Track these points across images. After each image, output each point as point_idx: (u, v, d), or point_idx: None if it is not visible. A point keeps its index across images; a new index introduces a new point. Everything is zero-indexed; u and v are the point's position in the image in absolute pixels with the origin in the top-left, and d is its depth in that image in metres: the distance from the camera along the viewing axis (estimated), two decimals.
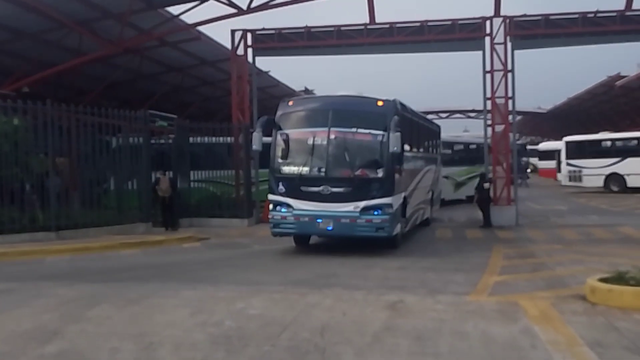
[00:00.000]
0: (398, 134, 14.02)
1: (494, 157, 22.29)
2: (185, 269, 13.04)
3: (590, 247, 15.74)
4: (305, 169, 14.71)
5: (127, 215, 19.45)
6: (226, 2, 22.99)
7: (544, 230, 19.71)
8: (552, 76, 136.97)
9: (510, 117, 22.27)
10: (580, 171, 37.98)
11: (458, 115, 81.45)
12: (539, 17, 22.04)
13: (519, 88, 21.99)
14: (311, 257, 14.55)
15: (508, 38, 21.57)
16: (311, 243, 16.77)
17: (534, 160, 57.38)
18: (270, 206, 15.06)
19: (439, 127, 25.96)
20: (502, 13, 21.90)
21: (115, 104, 25.49)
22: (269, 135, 15.44)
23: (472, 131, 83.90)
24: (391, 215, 14.43)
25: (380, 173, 14.44)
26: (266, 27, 23.36)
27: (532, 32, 21.97)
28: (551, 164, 47.04)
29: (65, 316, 8.91)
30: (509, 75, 21.57)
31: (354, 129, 14.66)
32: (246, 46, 23.24)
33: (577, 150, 38.48)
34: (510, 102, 21.83)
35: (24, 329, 8.22)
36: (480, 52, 21.94)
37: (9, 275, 12.42)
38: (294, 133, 15.04)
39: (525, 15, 22.10)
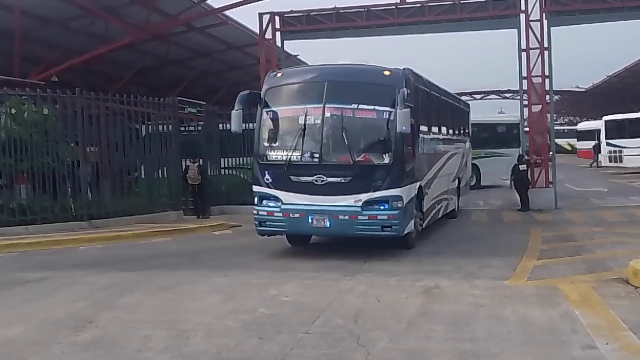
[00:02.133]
0: (407, 110, 11.67)
1: (530, 138, 22.03)
2: (216, 256, 13.11)
3: (632, 229, 15.45)
4: (295, 155, 12.35)
5: (157, 203, 19.61)
6: None
7: (583, 212, 19.45)
8: (590, 53, 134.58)
9: (547, 96, 21.93)
10: (620, 151, 37.37)
11: (493, 96, 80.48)
12: None
13: (556, 66, 21.57)
14: (342, 243, 14.19)
15: (544, 15, 21.12)
16: None
17: (572, 140, 56.59)
18: (255, 200, 12.82)
19: (468, 105, 23.25)
20: None
21: (143, 91, 25.64)
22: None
23: (508, 112, 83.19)
24: (401, 211, 12.07)
25: (386, 159, 12.09)
26: (294, 9, 23.29)
27: (569, 7, 21.46)
28: (589, 144, 46.31)
29: (98, 304, 9.06)
30: (546, 53, 21.16)
31: (354, 105, 12.35)
32: (274, 29, 23.18)
33: (617, 130, 37.85)
34: (547, 81, 21.45)
35: (57, 317, 8.37)
36: (515, 30, 21.61)
37: (43, 264, 12.63)
38: (282, 111, 12.84)
39: None
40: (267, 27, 23.18)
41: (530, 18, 21.15)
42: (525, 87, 21.70)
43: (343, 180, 12.04)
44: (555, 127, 33.63)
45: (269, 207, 12.53)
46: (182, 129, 21.77)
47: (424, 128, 14.56)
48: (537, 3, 21.06)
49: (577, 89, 72.01)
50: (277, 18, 23.16)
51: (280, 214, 12.39)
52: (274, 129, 12.90)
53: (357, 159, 12.04)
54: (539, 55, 21.13)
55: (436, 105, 16.62)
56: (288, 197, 12.32)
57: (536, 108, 21.79)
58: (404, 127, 11.67)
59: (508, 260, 11.82)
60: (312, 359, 6.57)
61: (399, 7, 22.52)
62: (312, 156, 12.30)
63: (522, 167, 20.89)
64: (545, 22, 21.19)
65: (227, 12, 25.82)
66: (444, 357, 6.60)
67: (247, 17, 26.88)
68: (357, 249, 12.82)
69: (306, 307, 8.66)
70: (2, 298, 9.68)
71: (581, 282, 9.81)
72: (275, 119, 12.86)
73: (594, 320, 7.70)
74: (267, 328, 7.69)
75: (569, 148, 57.60)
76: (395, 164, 12.07)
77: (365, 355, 6.67)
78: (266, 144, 12.87)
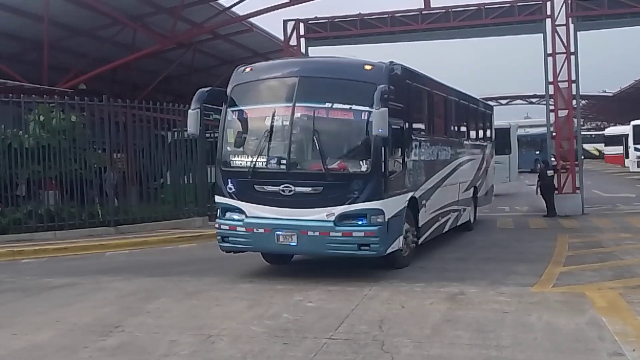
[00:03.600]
0: (384, 110, 9.95)
1: (557, 144, 21.85)
2: (242, 262, 13.14)
3: None
4: (260, 161, 10.87)
5: (183, 209, 19.72)
6: None
7: (611, 219, 19.26)
8: (618, 57, 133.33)
9: (574, 101, 21.77)
10: None
11: (519, 101, 79.91)
12: None
13: (582, 71, 21.46)
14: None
15: (570, 19, 21.00)
16: None
17: (600, 146, 56.03)
18: (218, 212, 11.54)
19: (489, 107, 21.33)
20: None
21: (170, 98, 25.85)
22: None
23: (534, 117, 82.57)
24: (381, 227, 10.46)
25: (364, 166, 10.48)
26: (318, 15, 23.36)
27: (595, 12, 21.30)
28: (618, 149, 45.80)
29: (124, 309, 9.14)
30: (572, 58, 21.02)
31: (328, 105, 10.74)
32: (299, 36, 23.28)
33: None
34: (573, 85, 21.31)
35: (84, 322, 8.46)
36: (541, 35, 21.49)
37: (70, 269, 12.77)
38: (248, 111, 11.41)
39: None
40: (291, 34, 23.28)
41: (557, 23, 21.04)
42: (551, 92, 21.56)
43: (313, 191, 10.54)
44: (582, 133, 33.40)
45: (232, 220, 11.10)
46: (208, 135, 21.88)
47: (419, 131, 12.98)
48: (563, 8, 20.96)
49: (604, 94, 71.38)
50: (301, 25, 23.26)
51: (244, 229, 10.91)
52: (238, 132, 11.45)
53: (329, 167, 10.50)
54: (565, 60, 21.00)
55: (440, 106, 14.98)
56: (252, 210, 10.88)
57: (562, 113, 21.62)
58: (380, 130, 9.99)
59: (534, 267, 11.73)
60: None
61: (423, 12, 22.50)
62: (279, 163, 10.79)
63: (550, 172, 20.75)
64: (571, 26, 21.06)
65: (252, 20, 25.96)
66: None
67: (271, 24, 27.06)
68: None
69: (330, 313, 8.67)
70: (30, 304, 9.80)
71: (608, 289, 9.71)
72: (240, 120, 11.48)
73: (621, 327, 7.61)
74: (292, 334, 7.71)
75: (597, 153, 57.06)
76: (374, 173, 10.45)
77: None
78: (229, 149, 11.43)
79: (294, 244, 10.63)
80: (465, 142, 16.92)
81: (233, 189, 11.12)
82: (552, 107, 21.86)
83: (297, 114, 10.78)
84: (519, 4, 21.81)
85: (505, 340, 7.29)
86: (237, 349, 7.17)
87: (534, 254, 13.28)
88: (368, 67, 11.00)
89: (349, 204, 10.42)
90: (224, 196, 11.25)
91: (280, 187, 10.61)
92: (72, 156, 17.40)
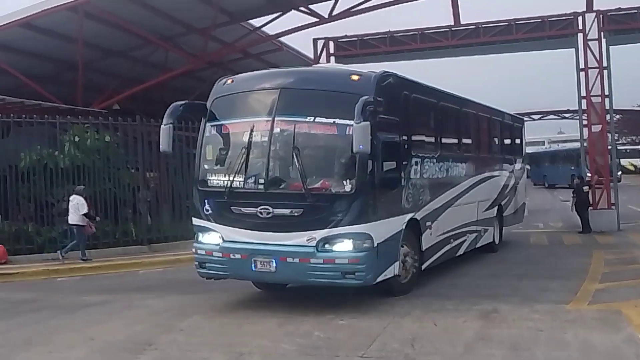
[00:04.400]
0: (365, 124, 8.87)
1: (591, 159, 21.57)
2: None
3: None
4: (237, 180, 9.89)
5: None
6: (307, 11, 23.25)
7: None
8: None
9: (607, 116, 21.53)
10: None
11: (552, 116, 79.16)
12: (635, 11, 21.07)
13: (616, 85, 21.23)
14: None
15: (602, 34, 20.81)
16: None
17: (635, 161, 55.25)
18: (195, 235, 10.60)
19: (519, 120, 19.73)
20: (595, 7, 21.15)
21: None
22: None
23: (567, 132, 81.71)
24: (369, 253, 9.39)
25: (348, 186, 9.38)
26: (347, 33, 23.43)
27: (628, 26, 21.09)
28: None
29: (157, 327, 9.19)
30: (605, 72, 20.81)
31: (310, 118, 9.69)
32: (328, 54, 23.35)
33: None
34: (606, 100, 21.10)
35: (118, 340, 8.53)
36: (573, 50, 21.28)
37: (104, 287, 12.90)
38: (227, 126, 10.40)
39: (619, 9, 21.19)
40: (321, 52, 23.37)
41: (588, 37, 20.85)
42: (584, 106, 21.36)
43: (293, 214, 9.50)
44: (617, 147, 32.92)
45: (209, 245, 10.17)
46: None
47: (422, 146, 11.90)
48: (595, 22, 20.79)
49: (639, 108, 70.36)
50: (331, 43, 23.34)
51: (220, 254, 9.98)
52: (216, 148, 10.57)
53: (310, 187, 9.42)
54: (597, 74, 20.79)
55: (450, 119, 13.70)
56: (229, 234, 9.91)
57: (596, 128, 21.37)
58: (361, 147, 8.91)
59: (569, 284, 11.56)
60: None
61: (453, 29, 22.43)
62: (256, 182, 9.80)
63: (585, 188, 20.48)
64: (603, 41, 20.88)
65: (282, 39, 26.13)
66: None
67: (301, 43, 27.20)
68: None
69: (362, 331, 8.62)
70: (65, 321, 9.89)
71: None
72: (218, 136, 10.53)
73: None
74: (323, 352, 7.69)
75: (632, 168, 56.22)
76: (359, 193, 9.37)
77: None
78: (207, 167, 10.54)
79: (273, 271, 9.63)
80: (486, 158, 15.53)
81: (210, 211, 10.17)
82: (585, 122, 21.65)
83: (277, 129, 9.82)
84: (550, 19, 21.65)
85: (540, 358, 7.21)
86: None
87: (568, 271, 13.09)
88: (355, 77, 9.98)
89: (332, 227, 9.35)
90: (201, 218, 10.32)
91: (258, 209, 9.60)
92: (106, 175, 17.65)
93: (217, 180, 10.22)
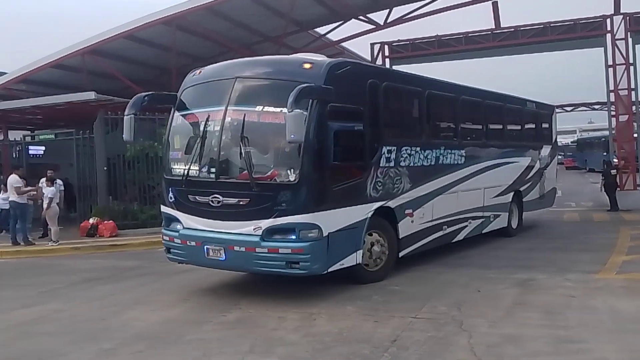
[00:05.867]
0: (296, 113, 7.65)
1: (618, 146, 20.97)
2: None
3: None
4: (193, 169, 8.93)
5: None
6: (365, 19, 23.14)
7: None
8: None
9: (633, 107, 20.85)
10: None
11: (583, 108, 76.71)
12: None
13: None
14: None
15: (629, 34, 20.19)
16: None
17: None
18: (163, 222, 9.65)
19: (545, 107, 16.97)
20: (622, 10, 20.45)
21: None
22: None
23: (597, 122, 79.01)
24: (316, 243, 8.15)
25: (292, 176, 8.15)
26: (400, 38, 23.26)
27: None
28: None
29: (241, 291, 9.30)
30: (631, 68, 20.24)
31: (259, 107, 8.55)
32: (384, 57, 23.24)
33: None
34: (632, 93, 20.49)
35: (208, 301, 8.66)
36: (602, 49, 20.67)
37: None
38: (189, 116, 9.39)
39: None
40: (377, 55, 23.27)
41: (616, 37, 20.24)
42: (612, 99, 20.71)
43: (240, 203, 8.39)
44: None
45: (171, 231, 9.27)
46: None
47: (397, 135, 10.32)
48: (622, 24, 20.16)
49: None
50: (386, 47, 23.24)
51: (179, 241, 9.10)
52: (179, 137, 9.56)
53: (256, 176, 8.29)
54: (624, 70, 20.19)
55: (441, 108, 11.99)
56: (188, 221, 8.97)
57: (623, 118, 20.77)
58: (293, 136, 7.68)
59: (598, 256, 11.24)
60: (421, 341, 6.51)
61: (494, 32, 22.10)
62: (209, 171, 8.77)
63: (613, 171, 19.97)
64: (629, 40, 20.29)
65: (343, 44, 26.05)
66: (540, 342, 6.37)
67: (360, 47, 27.05)
68: (455, 246, 12.42)
69: (414, 295, 8.59)
70: (164, 285, 10.12)
71: None
72: (182, 126, 9.48)
73: None
74: (381, 313, 7.69)
75: None
76: (303, 183, 8.11)
77: (468, 338, 6.54)
78: (171, 155, 9.58)
79: (223, 259, 8.62)
80: (495, 145, 13.49)
81: (173, 199, 9.22)
82: (613, 113, 20.98)
83: (229, 118, 8.70)
84: (581, 21, 21.11)
85: (572, 322, 7.05)
86: (334, 325, 7.21)
87: (598, 245, 12.72)
88: (307, 66, 8.63)
89: (276, 217, 8.16)
90: (166, 205, 9.42)
91: (210, 198, 8.58)
92: None
93: (179, 168, 9.18)
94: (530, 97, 16.17)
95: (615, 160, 20.86)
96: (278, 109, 8.26)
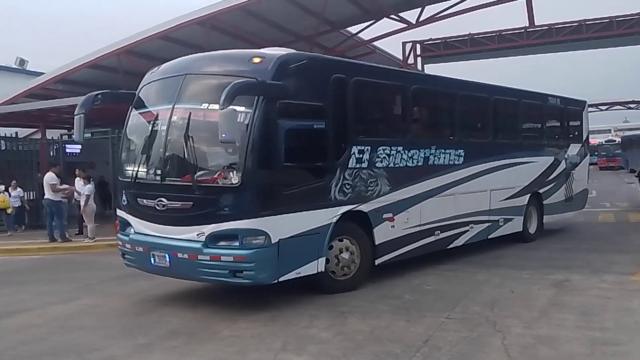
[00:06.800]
0: (228, 111, 7.08)
1: None
2: None
3: None
4: (141, 170, 8.40)
5: None
6: (397, 18, 23.05)
7: None
8: None
9: None
10: None
11: (618, 107, 75.24)
12: None
13: None
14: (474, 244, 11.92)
15: None
16: None
17: None
18: (118, 226, 9.06)
19: (573, 102, 15.40)
20: None
21: None
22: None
23: (632, 121, 77.45)
24: (262, 250, 7.49)
25: (235, 178, 7.50)
26: (432, 36, 23.11)
27: None
28: None
29: (269, 288, 9.30)
30: None
31: (205, 105, 7.90)
32: (416, 55, 23.15)
33: None
34: None
35: (240, 300, 8.69)
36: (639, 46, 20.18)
37: None
38: (140, 115, 8.75)
39: None
40: (409, 54, 23.20)
41: None
42: None
43: (184, 206, 7.80)
44: None
45: (124, 236, 8.74)
46: None
47: (373, 133, 9.58)
48: None
49: None
50: (417, 46, 23.15)
51: (129, 246, 8.57)
52: (133, 137, 8.91)
53: (199, 179, 7.72)
54: None
55: (433, 104, 11.27)
56: (138, 225, 8.41)
57: None
58: (224, 135, 7.09)
59: (634, 257, 11.02)
60: (454, 341, 6.45)
61: (528, 30, 21.81)
62: (155, 173, 8.20)
63: None
64: None
65: (375, 43, 25.98)
66: (576, 344, 6.26)
67: (392, 46, 26.93)
68: (489, 246, 12.31)
69: (446, 295, 8.52)
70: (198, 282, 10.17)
71: None
72: (136, 125, 8.84)
73: None
74: (413, 312, 7.64)
75: None
76: (247, 186, 7.47)
77: (502, 339, 6.46)
78: (124, 156, 8.97)
79: (168, 266, 8.04)
80: (506, 144, 12.51)
81: (125, 201, 8.66)
82: None
83: (175, 117, 8.08)
84: (617, 19, 20.62)
85: (609, 323, 6.92)
86: (366, 324, 7.19)
87: (634, 246, 12.45)
88: (256, 60, 7.91)
89: (220, 222, 7.54)
90: (120, 209, 8.89)
91: (155, 201, 8.00)
92: None
93: (130, 170, 8.63)
94: (565, 94, 15.54)
95: None
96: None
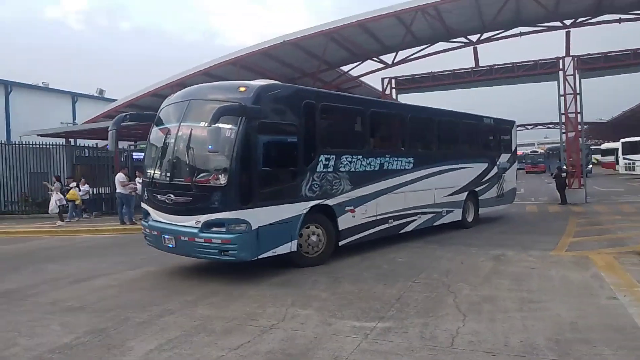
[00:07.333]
0: (213, 128, 7.27)
1: (567, 155, 20.49)
2: None
3: None
4: (156, 172, 8.46)
5: None
6: (378, 60, 22.99)
7: (607, 206, 17.70)
8: (611, 94, 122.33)
9: (579, 126, 20.31)
10: (633, 163, 33.98)
11: (540, 126, 75.29)
12: (600, 55, 19.83)
13: (585, 105, 19.95)
14: (435, 228, 11.95)
15: (576, 71, 19.64)
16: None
17: (597, 156, 51.69)
18: (142, 214, 9.00)
19: (501, 122, 15.01)
20: (572, 53, 19.99)
21: None
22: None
23: (551, 137, 77.29)
24: (243, 235, 7.46)
25: (222, 179, 7.50)
26: (403, 74, 23.07)
27: (594, 66, 19.80)
28: (610, 158, 42.15)
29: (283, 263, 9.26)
30: (578, 97, 19.67)
31: (203, 123, 7.69)
32: (391, 88, 22.98)
33: (630, 148, 34.55)
34: (579, 116, 19.91)
35: (263, 267, 8.65)
36: (556, 82, 20.21)
37: None
38: (159, 130, 8.72)
39: (589, 54, 19.92)
40: (386, 87, 23.02)
41: (567, 74, 19.69)
42: (563, 120, 20.22)
43: (185, 201, 7.83)
44: (591, 147, 31.09)
45: (145, 222, 8.76)
46: None
47: (337, 145, 9.17)
48: (571, 64, 19.68)
49: (601, 121, 65.87)
50: (393, 81, 22.98)
51: (148, 230, 8.62)
52: (151, 147, 8.85)
53: (196, 180, 7.73)
54: (572, 98, 19.65)
55: (385, 123, 10.90)
56: (154, 214, 8.44)
57: (571, 134, 20.27)
58: (210, 147, 7.39)
59: (553, 238, 11.01)
60: (419, 299, 6.46)
61: (474, 69, 21.74)
62: (165, 175, 8.20)
63: (563, 174, 19.53)
64: (577, 76, 19.73)
65: (361, 78, 25.91)
66: (509, 301, 6.28)
67: (373, 81, 26.86)
68: (443, 231, 12.25)
69: (414, 265, 8.51)
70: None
71: (606, 254, 8.99)
72: (155, 138, 8.77)
73: (615, 280, 7.08)
74: (389, 278, 7.64)
75: (596, 161, 52.69)
76: (231, 186, 7.43)
77: (454, 298, 6.47)
78: (146, 162, 8.94)
79: (173, 246, 8.05)
80: (446, 154, 12.13)
81: (146, 196, 8.68)
82: (564, 131, 20.50)
83: (180, 132, 8.09)
84: (540, 61, 20.65)
85: (534, 286, 6.94)
86: (355, 286, 7.19)
87: (552, 229, 12.43)
88: (242, 89, 7.93)
89: (211, 213, 7.53)
90: (143, 202, 8.87)
91: (166, 197, 8.04)
92: None
93: (150, 172, 8.58)
94: (501, 116, 15.57)
95: (565, 166, 20.37)
96: (214, 125, 7.38)
